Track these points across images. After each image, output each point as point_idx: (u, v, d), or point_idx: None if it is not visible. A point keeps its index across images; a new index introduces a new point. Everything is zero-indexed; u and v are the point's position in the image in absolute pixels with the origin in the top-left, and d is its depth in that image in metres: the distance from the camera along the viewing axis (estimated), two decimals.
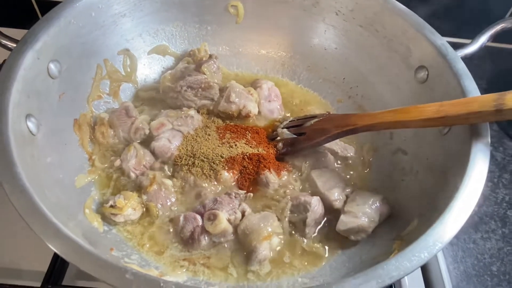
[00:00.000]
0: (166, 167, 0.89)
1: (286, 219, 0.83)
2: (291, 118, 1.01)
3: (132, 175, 0.86)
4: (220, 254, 0.78)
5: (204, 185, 0.85)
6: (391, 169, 0.92)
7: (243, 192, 0.84)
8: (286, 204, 0.84)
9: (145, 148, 0.90)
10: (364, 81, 1.05)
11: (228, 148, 0.90)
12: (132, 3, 0.96)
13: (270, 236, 0.78)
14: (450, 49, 0.85)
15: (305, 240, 0.82)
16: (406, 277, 0.72)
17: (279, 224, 0.81)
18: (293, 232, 0.83)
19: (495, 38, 0.91)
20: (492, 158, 0.69)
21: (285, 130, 0.96)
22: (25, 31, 0.78)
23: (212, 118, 1.00)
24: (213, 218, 0.78)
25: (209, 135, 0.93)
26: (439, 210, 0.65)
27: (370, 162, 0.97)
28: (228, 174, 0.86)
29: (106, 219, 0.79)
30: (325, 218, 0.85)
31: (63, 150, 0.82)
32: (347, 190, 0.87)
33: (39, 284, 0.78)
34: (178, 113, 0.96)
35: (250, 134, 0.94)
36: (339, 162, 0.95)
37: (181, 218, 0.79)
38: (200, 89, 0.99)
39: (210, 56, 1.03)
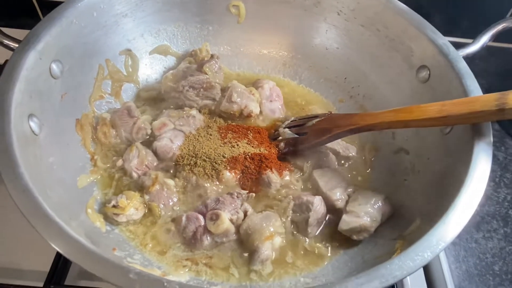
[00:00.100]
0: (168, 167, 0.89)
1: (288, 218, 0.83)
2: (292, 118, 1.01)
3: (134, 175, 0.86)
4: (223, 254, 0.78)
5: (206, 185, 0.85)
6: (393, 168, 0.93)
7: (245, 192, 0.84)
8: (288, 204, 0.84)
9: (147, 148, 0.90)
10: (366, 80, 1.05)
11: (230, 148, 0.90)
12: (133, 3, 0.97)
13: (272, 236, 0.78)
14: (451, 48, 0.86)
15: (307, 240, 0.82)
16: (408, 276, 0.72)
17: (281, 224, 0.82)
18: (295, 232, 0.83)
19: (496, 37, 0.91)
20: (494, 158, 0.69)
21: (286, 130, 0.96)
22: (25, 31, 0.78)
23: (214, 118, 1.00)
24: (215, 218, 0.78)
25: (211, 135, 0.93)
26: (441, 209, 0.65)
27: (372, 161, 0.97)
28: (230, 174, 0.86)
29: (109, 219, 0.79)
30: (327, 218, 0.85)
31: (65, 150, 0.82)
32: (349, 190, 0.87)
33: (41, 284, 0.79)
34: (180, 113, 0.96)
35: (252, 134, 0.94)
36: (341, 161, 0.95)
37: (184, 218, 0.79)
38: (202, 89, 0.99)
39: (212, 56, 1.03)
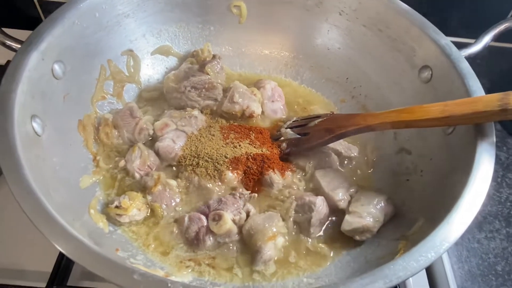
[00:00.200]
0: (170, 168, 0.89)
1: (291, 219, 0.83)
2: (294, 118, 1.01)
3: (137, 175, 0.86)
4: (225, 254, 0.78)
5: (208, 185, 0.85)
6: (395, 169, 0.93)
7: (247, 192, 0.84)
8: (290, 204, 0.84)
9: (150, 149, 0.90)
10: (368, 81, 1.05)
11: (232, 149, 0.90)
12: (135, 3, 0.97)
13: (275, 236, 0.78)
14: (454, 48, 0.86)
15: (310, 240, 0.82)
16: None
17: (283, 224, 0.81)
18: (297, 232, 0.83)
19: (498, 37, 0.91)
20: (496, 158, 0.69)
21: (288, 130, 0.96)
22: (26, 31, 0.78)
23: (216, 119, 1.00)
24: (218, 218, 0.78)
25: (213, 135, 0.93)
26: (444, 210, 0.65)
27: (374, 162, 0.97)
28: (233, 174, 0.86)
29: (111, 219, 0.79)
30: (330, 218, 0.85)
31: (68, 151, 0.82)
32: (351, 190, 0.87)
33: (44, 285, 0.79)
34: (181, 113, 0.96)
35: (254, 134, 0.94)
36: (343, 162, 0.95)
37: (186, 219, 0.79)
38: (203, 90, 0.99)
39: (214, 57, 1.03)
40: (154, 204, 0.82)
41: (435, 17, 0.92)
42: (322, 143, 0.91)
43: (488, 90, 0.76)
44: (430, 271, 0.88)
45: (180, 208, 0.84)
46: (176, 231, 0.80)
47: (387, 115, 0.80)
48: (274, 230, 0.79)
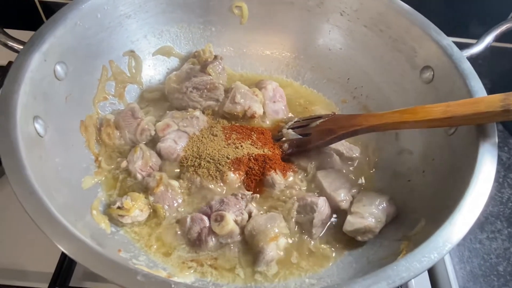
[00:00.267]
0: (172, 169, 0.89)
1: (293, 219, 0.83)
2: (296, 119, 1.01)
3: (139, 176, 0.86)
4: (227, 255, 0.78)
5: (210, 186, 0.85)
6: (397, 169, 0.92)
7: (249, 193, 0.85)
8: (292, 204, 0.84)
9: (151, 149, 0.90)
10: (369, 81, 1.05)
11: (234, 149, 0.90)
12: (137, 4, 0.97)
13: (277, 237, 0.78)
14: (455, 49, 0.85)
15: (312, 241, 0.82)
16: None
17: (285, 225, 0.82)
18: (299, 233, 0.83)
19: (499, 37, 0.91)
20: (497, 158, 0.69)
21: (290, 130, 0.97)
22: (28, 32, 0.78)
23: (218, 119, 1.00)
24: (220, 219, 0.78)
25: (214, 136, 0.93)
26: (447, 210, 0.65)
27: (376, 162, 0.97)
28: (234, 175, 0.86)
29: (113, 220, 0.79)
30: (332, 219, 0.85)
31: (70, 152, 0.82)
32: (353, 191, 0.87)
33: (46, 286, 0.79)
34: (183, 114, 0.97)
35: (255, 135, 0.94)
36: (345, 162, 0.95)
37: (188, 219, 0.79)
38: (205, 90, 0.99)
39: (215, 57, 1.03)
40: (156, 205, 0.82)
41: (436, 17, 0.92)
42: (324, 144, 0.91)
43: (489, 91, 0.76)
44: (432, 272, 0.88)
45: (182, 209, 0.84)
46: (178, 232, 0.80)
47: (389, 116, 0.80)
48: (276, 231, 0.79)
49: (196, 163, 0.87)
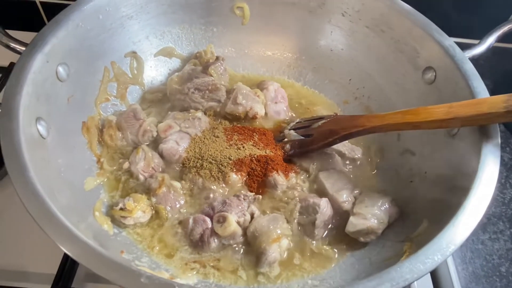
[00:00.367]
0: (174, 170, 0.89)
1: (295, 221, 0.83)
2: (298, 120, 1.01)
3: (141, 177, 0.86)
4: (230, 256, 0.78)
5: (212, 187, 0.85)
6: (399, 170, 0.92)
7: (251, 194, 0.84)
8: (294, 206, 0.84)
9: (153, 151, 0.90)
10: (371, 82, 1.05)
11: (236, 150, 0.90)
12: (139, 5, 0.97)
13: (279, 238, 0.78)
14: (458, 49, 0.85)
15: (314, 242, 0.81)
16: None
17: (288, 226, 0.81)
18: (302, 234, 0.82)
19: (501, 38, 0.91)
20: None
21: (292, 131, 0.96)
22: (29, 33, 0.78)
23: (219, 120, 1.00)
24: (223, 220, 0.78)
25: (216, 137, 0.93)
26: (450, 211, 0.65)
27: (378, 163, 0.97)
28: (237, 176, 0.86)
29: (116, 221, 0.79)
30: (334, 220, 0.84)
31: (72, 153, 0.82)
32: (356, 192, 0.87)
33: (48, 287, 0.79)
34: (185, 115, 0.96)
35: (257, 136, 0.94)
36: (347, 163, 0.95)
37: (191, 221, 0.79)
38: (207, 91, 0.99)
39: (217, 58, 1.03)
40: (159, 206, 0.82)
41: (438, 18, 0.92)
42: (326, 145, 0.91)
43: (491, 91, 0.76)
44: (434, 273, 0.88)
45: (185, 210, 0.84)
46: (181, 233, 0.80)
47: (391, 117, 0.80)
48: (279, 232, 0.79)
49: (198, 164, 0.87)
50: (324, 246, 0.81)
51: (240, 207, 0.81)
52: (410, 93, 0.95)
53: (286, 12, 1.08)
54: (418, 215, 0.78)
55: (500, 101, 0.67)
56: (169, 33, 1.06)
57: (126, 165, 0.88)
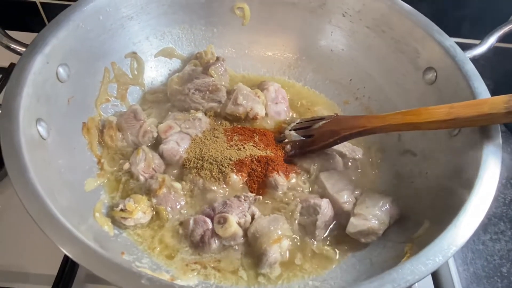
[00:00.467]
0: (175, 170, 0.89)
1: (296, 221, 0.82)
2: (298, 120, 1.01)
3: (141, 178, 0.86)
4: (231, 257, 0.78)
5: (213, 188, 0.85)
6: (400, 170, 0.92)
7: (252, 195, 0.84)
8: (295, 206, 0.84)
9: (154, 151, 0.90)
10: (371, 82, 1.05)
11: (236, 151, 0.90)
12: (139, 6, 0.97)
13: (280, 239, 0.78)
14: (458, 50, 0.85)
15: (315, 243, 0.81)
16: None
17: (289, 227, 0.81)
18: (303, 235, 0.82)
19: (502, 38, 0.91)
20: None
21: (292, 132, 0.96)
22: (29, 34, 0.78)
23: (220, 121, 1.00)
24: (223, 221, 0.78)
25: (217, 137, 0.93)
26: (451, 212, 0.64)
27: (379, 163, 0.97)
28: (237, 177, 0.86)
29: (116, 222, 0.79)
30: (335, 221, 0.84)
31: (72, 154, 0.82)
32: (356, 192, 0.87)
33: None
34: (185, 115, 0.96)
35: (257, 137, 0.94)
36: (348, 164, 0.95)
37: (191, 222, 0.79)
38: (207, 92, 0.99)
39: (217, 59, 1.03)
40: (159, 207, 0.82)
41: (438, 18, 0.92)
42: (327, 145, 0.90)
43: (492, 91, 0.76)
44: (435, 273, 0.88)
45: (185, 211, 0.84)
46: (181, 234, 0.80)
47: (392, 117, 0.80)
48: (279, 232, 0.79)
49: (198, 165, 0.87)
50: (325, 247, 0.81)
51: (240, 208, 0.81)
52: (411, 93, 0.95)
53: (287, 13, 1.08)
54: (419, 216, 0.78)
55: (501, 102, 0.67)
56: (170, 34, 1.06)
57: (126, 166, 0.88)
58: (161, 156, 0.90)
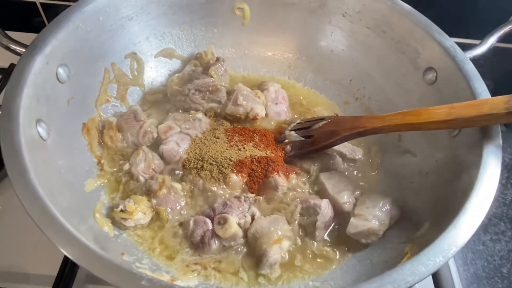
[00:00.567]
0: (175, 171, 0.89)
1: (296, 222, 0.82)
2: (298, 120, 1.01)
3: (141, 179, 0.86)
4: (231, 258, 0.78)
5: (213, 188, 0.85)
6: (400, 171, 0.92)
7: (252, 195, 0.84)
8: (295, 207, 0.84)
9: (154, 152, 0.90)
10: (372, 82, 1.04)
11: (236, 151, 0.90)
12: (139, 6, 0.97)
13: (280, 240, 0.78)
14: (459, 50, 0.85)
15: (315, 244, 0.81)
16: None
17: (289, 228, 0.81)
18: (303, 235, 0.82)
19: (502, 38, 0.91)
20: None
21: (292, 132, 0.96)
22: (29, 34, 0.78)
23: (220, 121, 1.00)
24: (223, 222, 0.77)
25: (217, 138, 0.93)
26: (451, 213, 0.64)
27: (379, 164, 0.96)
28: (237, 177, 0.86)
29: (116, 223, 0.79)
30: (335, 221, 0.84)
31: (72, 155, 0.82)
32: (356, 193, 0.87)
33: None
34: (185, 116, 0.96)
35: (258, 137, 0.94)
36: (348, 164, 0.95)
37: (191, 222, 0.79)
38: (207, 92, 0.98)
39: (218, 59, 1.03)
40: (159, 207, 0.82)
41: (439, 19, 0.91)
42: (327, 146, 0.90)
43: (492, 92, 0.76)
44: (435, 274, 0.88)
45: (185, 212, 0.84)
46: (181, 235, 0.80)
47: (392, 118, 0.80)
48: (280, 233, 0.78)
49: (198, 166, 0.87)
50: (325, 248, 0.81)
51: (240, 209, 0.81)
52: (411, 93, 0.95)
53: (287, 13, 1.08)
54: (419, 216, 0.78)
55: (501, 102, 0.67)
56: (170, 34, 1.06)
57: (126, 166, 0.88)
58: (161, 156, 0.90)
